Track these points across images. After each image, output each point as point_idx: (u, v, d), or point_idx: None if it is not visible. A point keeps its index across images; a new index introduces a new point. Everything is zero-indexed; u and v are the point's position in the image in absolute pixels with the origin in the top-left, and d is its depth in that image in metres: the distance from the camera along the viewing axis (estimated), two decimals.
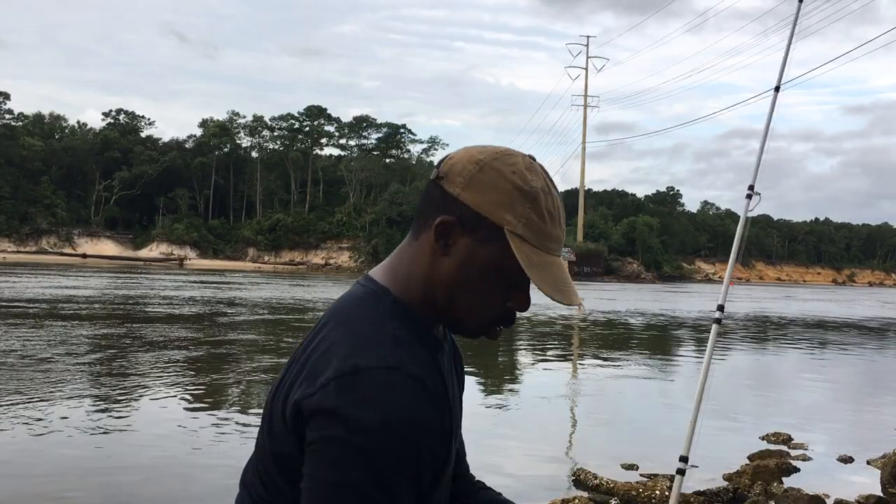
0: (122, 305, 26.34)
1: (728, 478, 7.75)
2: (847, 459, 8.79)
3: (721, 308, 3.30)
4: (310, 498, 1.03)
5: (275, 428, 1.11)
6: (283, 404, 1.09)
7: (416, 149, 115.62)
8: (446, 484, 1.18)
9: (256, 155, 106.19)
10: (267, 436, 1.14)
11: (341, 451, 1.00)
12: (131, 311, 24.03)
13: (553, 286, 1.09)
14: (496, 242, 1.09)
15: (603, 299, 45.64)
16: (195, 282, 46.03)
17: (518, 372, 16.30)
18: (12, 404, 9.77)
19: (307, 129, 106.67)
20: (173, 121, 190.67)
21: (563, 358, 18.63)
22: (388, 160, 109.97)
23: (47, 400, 10.12)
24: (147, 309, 25.10)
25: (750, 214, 3.86)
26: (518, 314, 1.15)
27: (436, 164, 1.16)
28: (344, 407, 1.00)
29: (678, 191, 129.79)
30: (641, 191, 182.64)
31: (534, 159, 1.16)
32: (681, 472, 2.09)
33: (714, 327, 3.37)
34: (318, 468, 1.02)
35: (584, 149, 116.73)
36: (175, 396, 10.80)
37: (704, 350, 3.42)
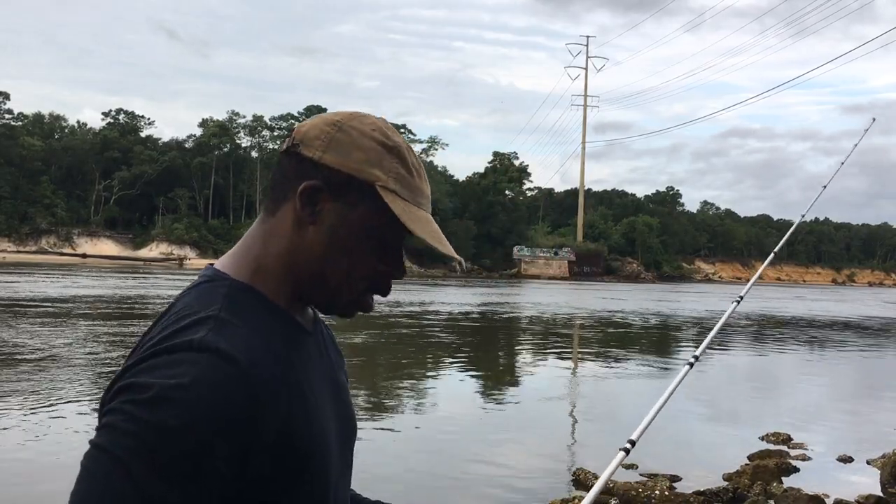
0: (134, 305, 26.36)
1: (728, 478, 7.76)
2: (847, 459, 8.79)
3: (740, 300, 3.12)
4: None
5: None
6: (107, 394, 1.00)
7: (415, 148, 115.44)
8: (324, 480, 1.05)
9: (256, 155, 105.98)
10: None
11: (121, 419, 0.92)
12: (141, 311, 24.04)
13: (434, 238, 1.05)
14: (368, 202, 1.04)
15: (610, 299, 45.65)
16: None
17: (518, 372, 16.32)
18: (27, 405, 9.80)
19: None
20: (173, 121, 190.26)
21: (564, 358, 18.63)
22: None
23: (61, 400, 10.14)
24: (157, 309, 25.12)
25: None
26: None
27: (286, 137, 1.09)
28: (139, 380, 0.93)
29: (678, 191, 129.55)
30: (640, 191, 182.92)
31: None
32: (625, 450, 2.07)
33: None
34: (98, 434, 0.94)
35: (583, 149, 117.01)
36: None
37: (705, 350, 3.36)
